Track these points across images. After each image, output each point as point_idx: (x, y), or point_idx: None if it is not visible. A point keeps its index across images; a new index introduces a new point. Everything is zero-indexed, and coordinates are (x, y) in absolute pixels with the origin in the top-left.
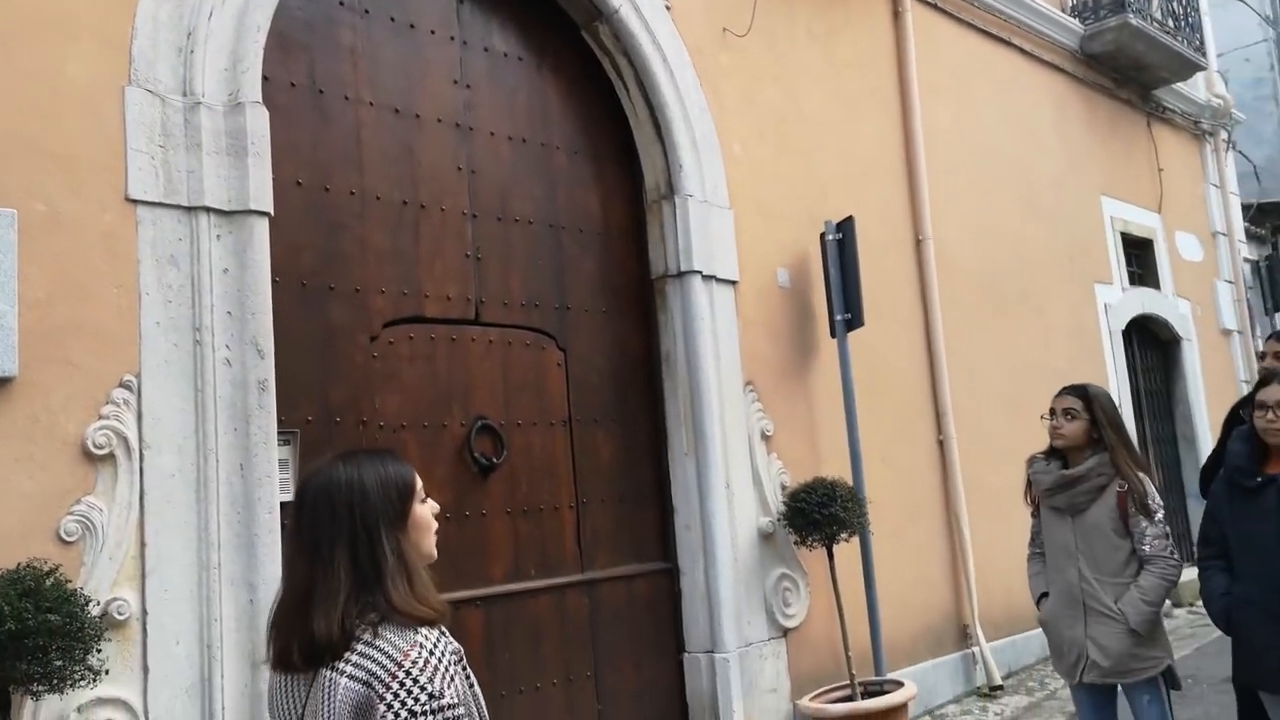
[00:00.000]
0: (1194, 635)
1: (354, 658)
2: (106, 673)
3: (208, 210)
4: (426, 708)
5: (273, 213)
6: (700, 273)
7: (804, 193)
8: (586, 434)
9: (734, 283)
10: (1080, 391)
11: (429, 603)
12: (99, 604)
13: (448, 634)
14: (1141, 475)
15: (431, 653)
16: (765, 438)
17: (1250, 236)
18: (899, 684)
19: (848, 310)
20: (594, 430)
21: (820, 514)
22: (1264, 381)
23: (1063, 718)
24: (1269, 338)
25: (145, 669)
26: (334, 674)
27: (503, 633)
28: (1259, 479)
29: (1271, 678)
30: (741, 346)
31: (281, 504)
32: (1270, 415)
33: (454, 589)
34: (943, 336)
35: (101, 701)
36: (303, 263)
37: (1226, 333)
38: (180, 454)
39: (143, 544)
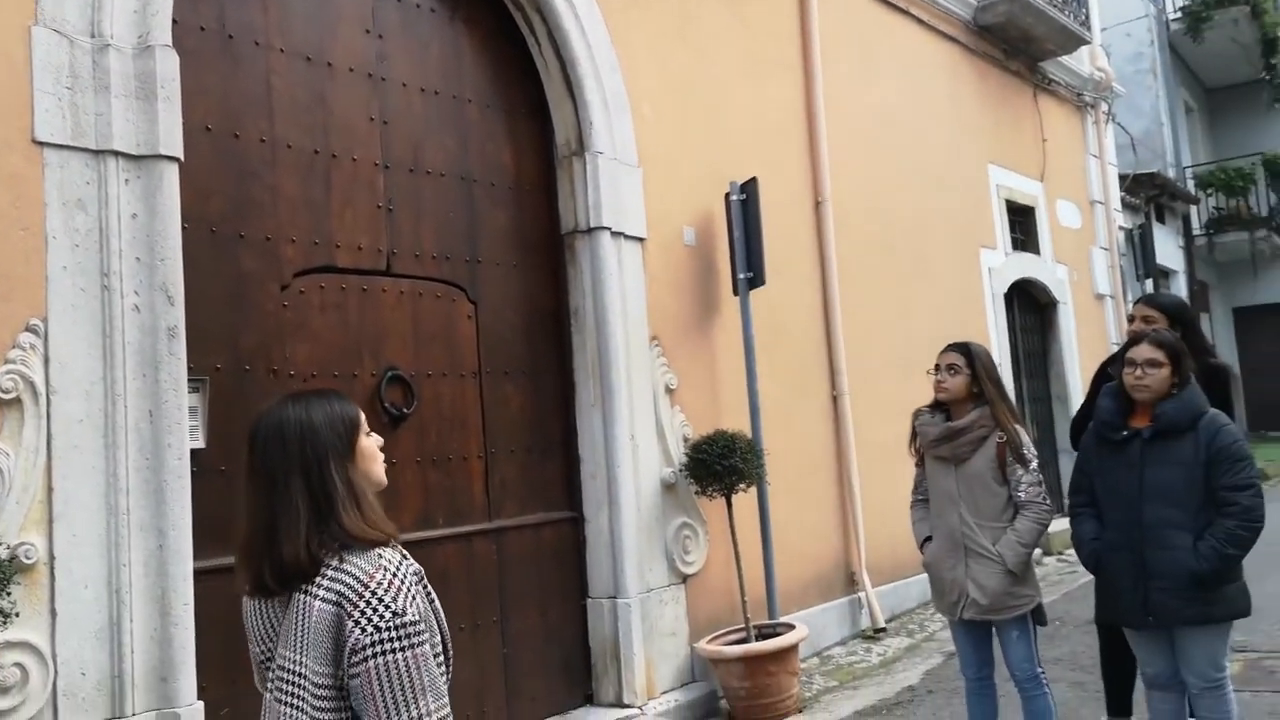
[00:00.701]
0: (1061, 581)
1: (325, 581)
2: (17, 615)
3: (116, 154)
4: (391, 624)
5: (183, 158)
6: (609, 229)
7: (710, 153)
8: (496, 385)
9: (642, 240)
10: (963, 348)
11: (378, 526)
12: (7, 548)
13: (409, 556)
14: (1018, 427)
15: (394, 574)
16: (669, 391)
17: (1125, 206)
18: (791, 627)
19: (750, 269)
20: (503, 382)
21: (721, 465)
22: (1134, 341)
23: (940, 657)
24: (1138, 302)
25: (53, 613)
26: (308, 597)
27: None
28: (1124, 432)
29: (1132, 614)
30: (648, 302)
31: (192, 451)
32: (1138, 372)
33: None
34: (839, 296)
35: (9, 645)
36: (212, 209)
37: (1100, 297)
38: (88, 399)
39: (50, 489)
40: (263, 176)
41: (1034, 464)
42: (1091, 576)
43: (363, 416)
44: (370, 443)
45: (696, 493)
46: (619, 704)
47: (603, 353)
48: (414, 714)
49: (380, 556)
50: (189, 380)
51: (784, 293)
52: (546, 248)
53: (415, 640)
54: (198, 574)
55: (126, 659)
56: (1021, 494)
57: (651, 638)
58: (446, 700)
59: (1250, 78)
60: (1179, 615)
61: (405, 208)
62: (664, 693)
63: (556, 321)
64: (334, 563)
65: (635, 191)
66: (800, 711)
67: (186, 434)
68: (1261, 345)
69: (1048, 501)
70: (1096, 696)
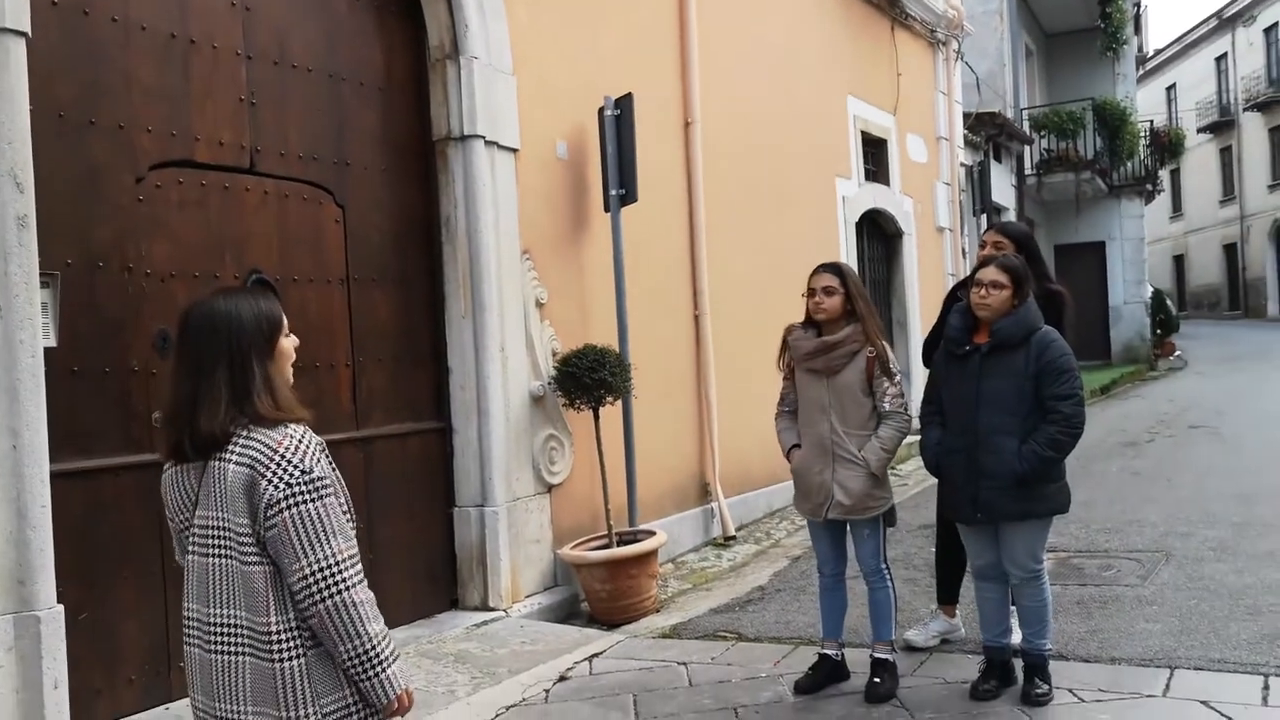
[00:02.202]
0: (895, 492)
1: (237, 448)
2: None
3: None
4: (300, 480)
5: (30, 33)
6: (484, 138)
7: (584, 66)
8: (364, 293)
9: (515, 150)
10: (836, 270)
11: (292, 411)
12: None
13: (312, 430)
14: (885, 344)
15: (300, 440)
16: (539, 305)
17: (967, 143)
18: (651, 533)
19: (622, 186)
20: (372, 289)
21: (590, 378)
22: (984, 264)
23: (785, 561)
24: (988, 229)
25: None
26: (222, 463)
27: None
28: (968, 347)
29: (965, 511)
30: (520, 215)
31: (45, 349)
32: (983, 292)
33: None
34: (704, 217)
35: None
36: (60, 93)
37: (940, 230)
38: None
39: None
40: (115, 60)
41: (898, 377)
42: (923, 488)
43: (285, 319)
44: (288, 343)
45: (564, 405)
46: (484, 607)
47: (474, 264)
48: (326, 553)
49: (287, 427)
50: (39, 275)
51: (651, 212)
52: (417, 153)
53: (323, 493)
54: (55, 477)
55: None
56: (886, 404)
57: (517, 544)
58: (355, 544)
59: (1086, 25)
60: (1004, 512)
61: (269, 103)
62: (528, 596)
63: (427, 230)
64: (244, 434)
65: (510, 100)
66: (657, 611)
67: (39, 331)
68: (1078, 281)
69: (908, 412)
70: (927, 591)
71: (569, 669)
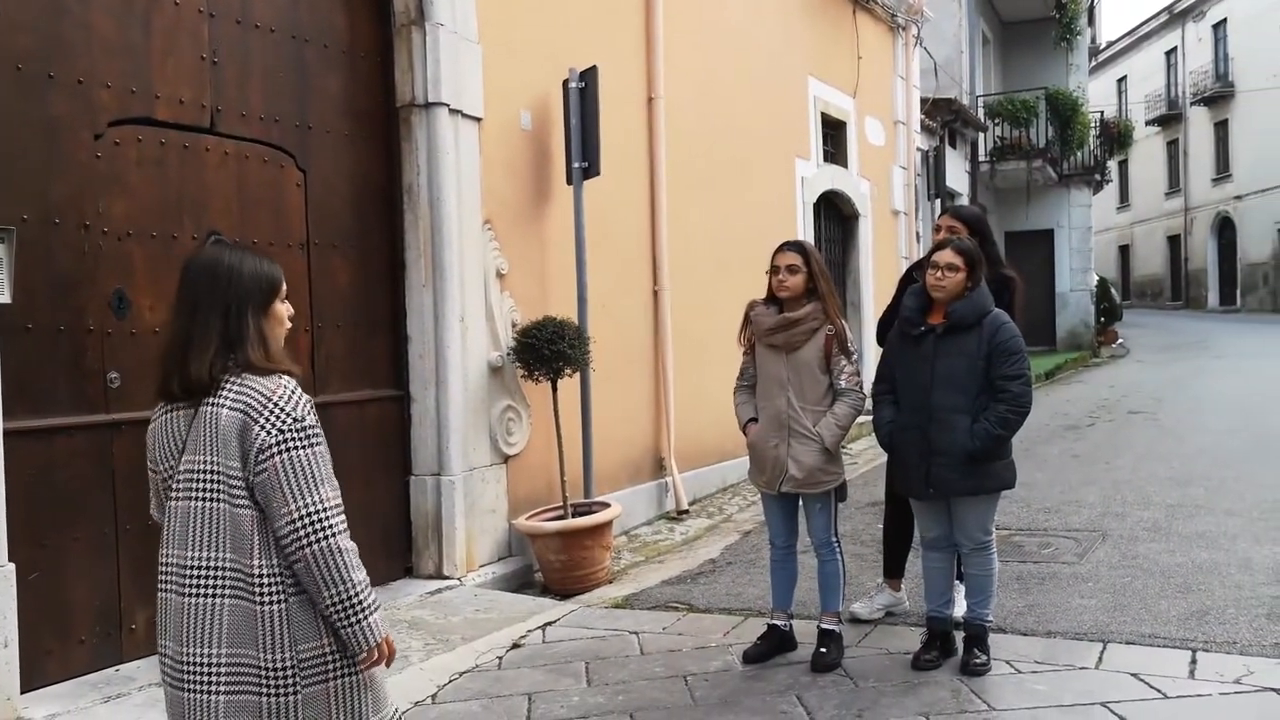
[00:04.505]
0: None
1: (229, 393)
2: None
3: None
4: (293, 427)
5: None
6: (448, 106)
7: (550, 37)
8: (324, 258)
9: (479, 120)
10: (801, 248)
11: (283, 363)
12: None
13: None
14: (844, 322)
15: (292, 391)
16: (500, 275)
17: (924, 128)
18: (606, 505)
19: (585, 159)
20: (332, 255)
21: (549, 350)
22: (939, 247)
23: (737, 535)
24: (943, 213)
25: None
26: (214, 408)
27: None
28: (922, 328)
29: (916, 486)
30: (483, 184)
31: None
32: (939, 274)
33: None
34: (665, 193)
35: None
36: (18, 44)
37: (896, 213)
38: None
39: None
40: (74, 12)
41: (855, 356)
42: (872, 466)
43: (284, 285)
44: (283, 309)
45: (523, 376)
46: (439, 575)
47: (436, 232)
48: (314, 499)
49: (280, 378)
50: None
51: (613, 187)
52: (380, 119)
53: (314, 440)
54: (7, 435)
55: None
56: (842, 382)
57: (473, 514)
58: (340, 494)
59: (1042, 15)
60: (955, 487)
61: (232, 62)
62: (483, 565)
63: (388, 197)
64: (235, 380)
65: (474, 68)
66: (611, 582)
67: None
68: (1027, 267)
69: (862, 390)
70: (873, 566)
71: (522, 637)
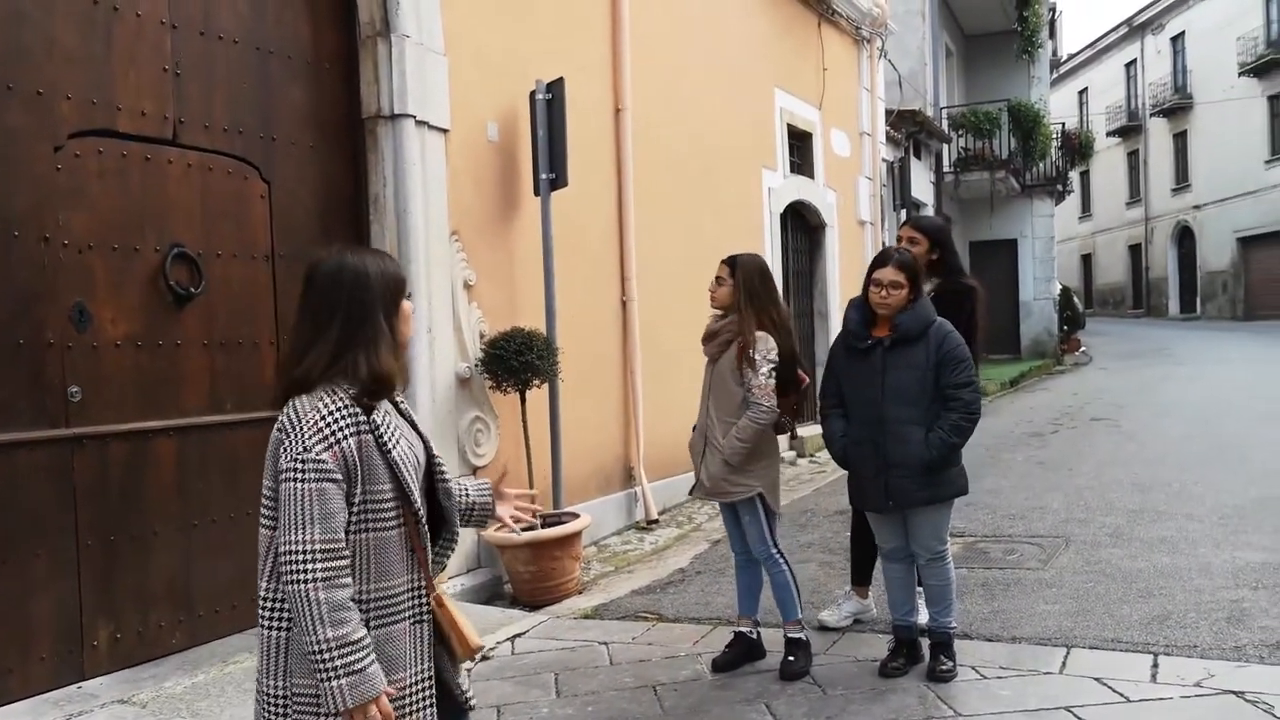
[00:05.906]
0: (812, 480)
1: (285, 410)
2: None
3: None
4: (299, 457)
5: None
6: (414, 117)
7: (517, 48)
8: (290, 270)
9: (445, 131)
10: (730, 261)
11: (389, 369)
12: None
13: (355, 406)
14: (760, 335)
15: (323, 417)
16: (468, 287)
17: (889, 139)
18: (575, 515)
19: (553, 170)
20: (297, 267)
21: (517, 361)
22: (881, 260)
23: (706, 544)
24: (904, 224)
25: None
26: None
27: (198, 464)
28: (869, 341)
29: (874, 500)
30: (449, 196)
31: None
32: (883, 293)
33: (146, 418)
34: (633, 204)
35: None
36: None
37: (862, 223)
38: None
39: None
40: (35, 21)
41: (765, 369)
42: (840, 474)
43: (408, 282)
44: (408, 305)
45: (491, 388)
46: None
47: (403, 244)
48: (298, 537)
49: (322, 399)
50: None
51: (580, 198)
52: (346, 130)
53: (314, 476)
54: None
55: None
56: (750, 395)
57: None
58: (339, 539)
59: (1004, 28)
60: (913, 498)
61: (195, 74)
62: (451, 578)
63: (355, 209)
64: (300, 398)
65: (441, 80)
66: (580, 593)
67: None
68: (991, 277)
69: (769, 403)
70: (842, 573)
71: (491, 649)
